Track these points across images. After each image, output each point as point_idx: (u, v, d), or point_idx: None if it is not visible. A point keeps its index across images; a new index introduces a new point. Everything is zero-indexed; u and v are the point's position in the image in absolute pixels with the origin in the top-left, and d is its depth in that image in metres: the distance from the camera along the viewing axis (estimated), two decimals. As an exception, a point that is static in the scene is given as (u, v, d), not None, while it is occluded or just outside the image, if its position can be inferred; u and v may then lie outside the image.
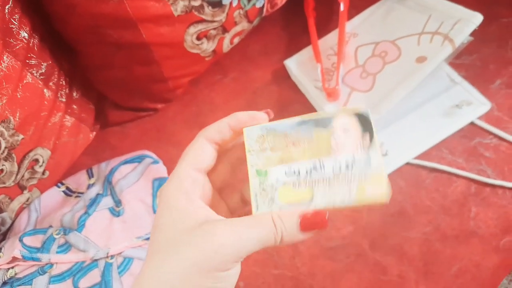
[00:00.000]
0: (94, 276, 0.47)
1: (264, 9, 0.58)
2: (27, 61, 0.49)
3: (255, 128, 0.28)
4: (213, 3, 0.51)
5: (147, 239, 0.50)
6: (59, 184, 0.57)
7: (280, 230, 0.24)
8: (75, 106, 0.58)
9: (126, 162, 0.56)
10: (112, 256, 0.49)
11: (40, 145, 0.53)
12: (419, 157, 0.55)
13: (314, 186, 0.26)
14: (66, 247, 0.49)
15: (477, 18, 0.50)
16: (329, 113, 0.27)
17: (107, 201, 0.52)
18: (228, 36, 0.57)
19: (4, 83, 0.46)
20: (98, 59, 0.54)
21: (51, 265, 0.48)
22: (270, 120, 0.30)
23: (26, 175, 0.53)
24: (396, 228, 0.52)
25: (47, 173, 0.56)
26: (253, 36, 0.64)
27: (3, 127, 0.47)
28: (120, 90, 0.60)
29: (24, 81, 0.49)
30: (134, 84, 0.57)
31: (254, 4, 0.55)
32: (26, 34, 0.49)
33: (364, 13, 0.64)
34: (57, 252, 0.48)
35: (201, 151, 0.27)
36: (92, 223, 0.50)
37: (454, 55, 0.57)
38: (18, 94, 0.48)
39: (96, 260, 0.48)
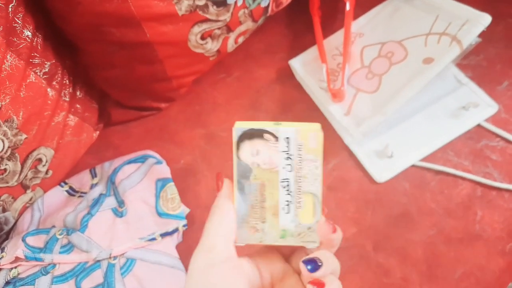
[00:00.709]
0: (97, 277, 0.47)
1: (269, 9, 0.57)
2: (31, 60, 0.49)
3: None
4: (218, 2, 0.51)
5: (150, 239, 0.50)
6: (62, 184, 0.57)
7: None
8: (78, 105, 0.58)
9: (129, 162, 0.56)
10: (115, 257, 0.49)
11: (44, 145, 0.53)
12: (424, 159, 0.55)
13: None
14: (69, 247, 0.48)
15: (485, 19, 0.49)
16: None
17: (110, 202, 0.52)
18: (232, 36, 0.56)
19: (7, 83, 0.46)
20: (100, 58, 0.53)
21: (54, 265, 0.48)
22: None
23: (29, 175, 0.53)
24: (400, 230, 0.51)
25: (50, 172, 0.55)
26: (258, 35, 0.64)
27: (6, 126, 0.47)
28: (123, 89, 0.59)
29: (28, 81, 0.49)
30: (137, 83, 0.57)
31: (259, 3, 0.55)
32: (29, 33, 0.49)
33: (370, 12, 0.63)
34: (60, 253, 0.48)
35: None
36: (95, 224, 0.49)
37: (462, 57, 0.57)
38: (21, 94, 0.47)
39: (99, 260, 0.48)
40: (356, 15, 0.63)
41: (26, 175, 0.52)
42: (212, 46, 0.55)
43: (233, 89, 0.63)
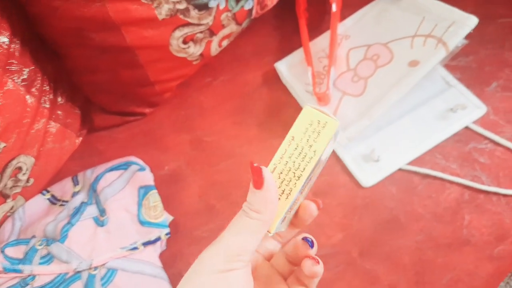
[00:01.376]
0: (77, 288, 0.46)
1: (254, 11, 0.56)
2: (8, 67, 0.48)
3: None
4: (199, 6, 0.50)
5: (132, 249, 0.49)
6: (44, 192, 0.56)
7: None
8: (60, 112, 0.57)
9: (112, 169, 0.55)
10: (95, 268, 0.48)
11: (23, 153, 0.52)
12: (411, 163, 0.54)
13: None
14: (48, 258, 0.47)
15: (472, 21, 0.48)
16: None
17: (92, 210, 0.51)
18: (216, 39, 0.55)
19: (-18, 91, 0.45)
20: (82, 63, 0.52)
21: (33, 277, 0.47)
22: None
23: (9, 184, 0.51)
24: (387, 236, 0.51)
25: (31, 180, 0.54)
26: (244, 37, 0.63)
27: (-17, 135, 0.46)
28: (106, 94, 0.58)
29: (5, 88, 0.48)
30: (120, 88, 0.56)
31: (242, 6, 0.54)
32: (6, 39, 0.48)
33: (357, 14, 0.62)
34: (40, 264, 0.47)
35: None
36: (75, 234, 0.48)
37: (449, 58, 0.56)
38: (-2, 102, 0.46)
39: (79, 271, 0.47)
40: (343, 16, 0.62)
41: (6, 184, 0.51)
42: (194, 50, 0.54)
43: (220, 93, 0.62)
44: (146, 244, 0.50)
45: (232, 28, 0.55)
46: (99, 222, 0.50)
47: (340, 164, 0.55)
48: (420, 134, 0.55)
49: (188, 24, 0.50)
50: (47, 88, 0.55)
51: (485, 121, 0.55)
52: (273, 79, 0.62)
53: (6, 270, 0.46)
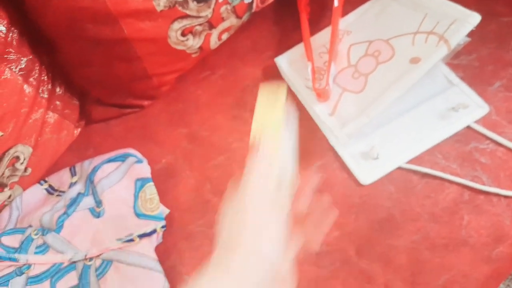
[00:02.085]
0: (72, 278, 0.47)
1: (254, 5, 0.56)
2: (5, 56, 0.48)
3: None
4: (198, -3, 0.49)
5: (128, 241, 0.49)
6: (41, 182, 0.56)
7: None
8: (58, 102, 0.57)
9: (109, 160, 0.55)
10: (91, 259, 0.48)
11: (21, 142, 0.52)
12: (411, 161, 0.53)
13: None
14: (44, 247, 0.48)
15: (474, 18, 0.47)
16: None
17: (88, 201, 0.51)
18: (215, 32, 0.55)
19: (-21, 80, 0.45)
20: (76, 56, 0.52)
21: (29, 266, 0.47)
22: None
23: (7, 173, 0.52)
24: (384, 235, 0.50)
25: (29, 170, 0.54)
26: (243, 31, 0.62)
27: (-21, 124, 0.46)
28: (102, 86, 0.58)
29: (2, 77, 0.48)
30: (117, 81, 0.56)
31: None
32: (3, 28, 0.48)
33: (359, 9, 0.61)
34: (35, 253, 0.47)
35: None
36: (71, 224, 0.49)
37: (451, 56, 0.55)
38: (-5, 91, 0.46)
39: (74, 262, 0.47)
40: (346, 12, 0.61)
41: (3, 173, 0.51)
42: (193, 43, 0.53)
43: (218, 87, 0.62)
44: (141, 236, 0.50)
45: (232, 21, 0.55)
46: (95, 213, 0.50)
47: (338, 161, 0.55)
48: (421, 133, 0.54)
49: (186, 16, 0.50)
50: (45, 78, 0.55)
51: (487, 121, 0.54)
52: (272, 74, 0.62)
53: (2, 259, 0.46)
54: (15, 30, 0.49)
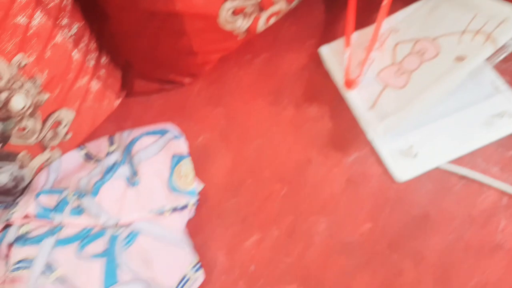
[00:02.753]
0: (99, 245, 0.47)
1: (304, -10, 0.56)
2: (58, 21, 0.49)
3: None
4: (253, -22, 0.49)
5: (159, 213, 0.49)
6: (81, 147, 0.57)
7: None
8: (102, 72, 0.58)
9: (148, 133, 0.55)
10: (120, 227, 0.48)
11: (65, 106, 0.53)
12: (450, 162, 0.52)
13: None
14: (79, 210, 0.48)
15: (528, 18, 0.46)
16: None
17: (124, 170, 0.52)
18: (264, 16, 0.55)
19: (34, 41, 0.45)
20: (128, 26, 0.53)
21: (61, 227, 0.48)
22: None
23: (49, 135, 0.53)
24: (418, 231, 0.49)
25: (69, 135, 0.55)
26: (290, 18, 0.62)
27: (30, 84, 0.47)
28: (147, 60, 0.59)
29: (54, 41, 0.48)
30: (162, 55, 0.56)
31: (294, -16, 0.53)
32: (59, -7, 0.48)
33: (408, 8, 0.61)
34: (70, 214, 0.48)
35: None
36: (106, 190, 0.49)
37: (501, 58, 0.54)
38: (46, 55, 0.47)
39: (104, 228, 0.48)
40: (396, 9, 0.60)
41: (45, 135, 0.52)
42: (242, 24, 0.54)
43: (259, 71, 0.62)
44: (173, 210, 0.50)
45: (281, 5, 0.55)
46: (130, 182, 0.51)
47: (375, 155, 0.54)
48: (462, 136, 0.53)
49: (239, -4, 0.50)
50: (92, 47, 0.56)
51: (532, 128, 0.53)
52: (315, 63, 0.61)
53: (38, 217, 0.47)
54: (70, -4, 0.50)
